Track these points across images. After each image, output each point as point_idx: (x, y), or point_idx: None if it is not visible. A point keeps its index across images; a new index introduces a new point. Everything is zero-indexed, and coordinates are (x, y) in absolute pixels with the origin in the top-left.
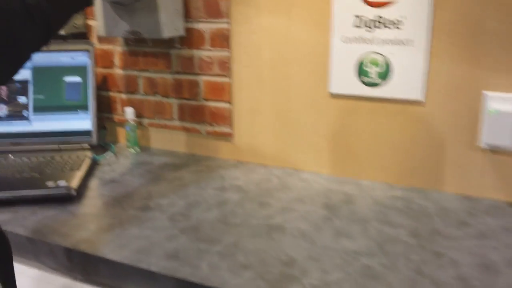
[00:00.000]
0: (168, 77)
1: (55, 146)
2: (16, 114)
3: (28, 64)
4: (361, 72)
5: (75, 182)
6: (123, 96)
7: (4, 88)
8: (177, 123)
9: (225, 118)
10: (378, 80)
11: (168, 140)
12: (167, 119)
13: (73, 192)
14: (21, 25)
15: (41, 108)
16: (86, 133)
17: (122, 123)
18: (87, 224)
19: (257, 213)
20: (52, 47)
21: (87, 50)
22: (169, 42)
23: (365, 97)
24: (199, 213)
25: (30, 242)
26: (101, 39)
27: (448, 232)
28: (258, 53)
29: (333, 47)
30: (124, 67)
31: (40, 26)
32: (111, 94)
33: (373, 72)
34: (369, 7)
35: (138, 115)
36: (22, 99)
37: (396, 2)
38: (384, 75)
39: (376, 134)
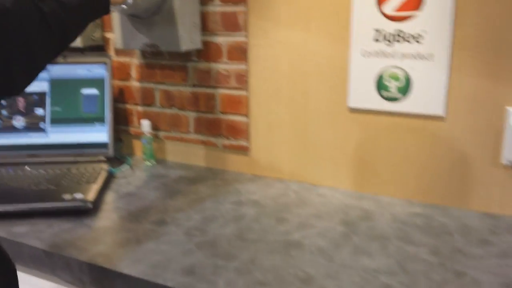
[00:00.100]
0: (185, 90)
1: (71, 158)
2: (33, 126)
3: (46, 76)
4: (381, 86)
5: (91, 195)
6: (140, 108)
7: (21, 100)
8: (193, 136)
9: (242, 131)
10: (398, 95)
11: (184, 153)
12: (184, 132)
13: (90, 205)
14: (36, 32)
15: (58, 120)
16: (103, 145)
17: (138, 135)
18: (103, 238)
19: (274, 228)
20: (70, 59)
21: (104, 63)
22: (186, 55)
23: (384, 112)
24: (216, 228)
25: (46, 256)
26: (118, 52)
27: (470, 251)
28: (276, 67)
29: (352, 61)
30: (141, 79)
31: (56, 33)
32: (128, 106)
33: (393, 87)
34: (389, 21)
35: (154, 127)
36: (39, 111)
37: (416, 16)
38: (404, 89)
39: (396, 149)
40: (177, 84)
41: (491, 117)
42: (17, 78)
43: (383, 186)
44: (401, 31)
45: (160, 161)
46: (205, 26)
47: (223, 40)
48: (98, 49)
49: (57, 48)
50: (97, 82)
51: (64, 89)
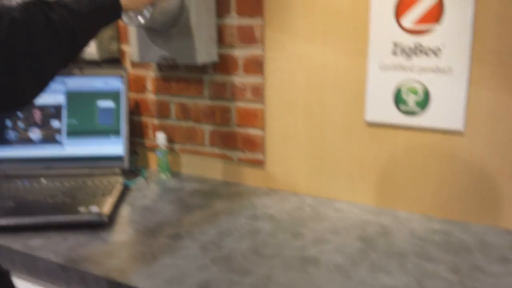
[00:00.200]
0: (201, 102)
1: (87, 171)
2: (49, 138)
3: (62, 88)
4: (399, 100)
5: (106, 208)
6: (155, 121)
7: (38, 112)
8: (208, 149)
9: (257, 144)
10: (416, 109)
11: (199, 166)
12: (199, 145)
13: (105, 219)
14: (44, 41)
15: (74, 133)
16: (118, 158)
17: (153, 148)
18: (118, 252)
19: (290, 244)
20: (86, 71)
21: (120, 75)
22: (202, 68)
23: (402, 126)
24: (231, 242)
25: (61, 270)
26: (134, 64)
27: (490, 269)
28: (292, 80)
29: (370, 74)
30: (157, 92)
31: (64, 41)
32: (143, 119)
33: (411, 101)
34: (407, 34)
35: (170, 140)
36: (55, 124)
37: (435, 30)
38: (423, 104)
39: (414, 164)
40: (193, 96)
41: (511, 131)
42: (24, 87)
43: (401, 201)
44: (420, 44)
45: (175, 174)
46: (221, 39)
47: (239, 53)
48: (115, 61)
49: (66, 55)
50: (113, 95)
51: (80, 101)
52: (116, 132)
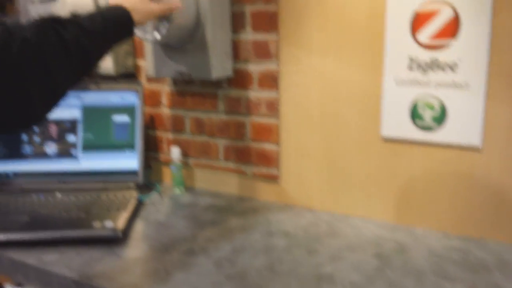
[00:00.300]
0: (215, 117)
1: (101, 185)
2: (65, 152)
3: (78, 103)
4: (415, 115)
5: (121, 223)
6: (170, 135)
7: (54, 126)
8: (223, 163)
9: (272, 159)
10: (432, 124)
11: (213, 180)
12: (213, 160)
13: (119, 234)
14: (55, 59)
15: (89, 147)
16: (133, 172)
17: (168, 162)
18: (133, 268)
19: (306, 260)
20: (102, 86)
21: (136, 90)
22: (217, 83)
23: (419, 141)
24: (246, 259)
25: (75, 285)
26: (149, 79)
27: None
28: (307, 94)
29: (386, 89)
30: (172, 106)
31: (77, 59)
32: (158, 133)
33: (427, 116)
34: (423, 50)
35: (184, 154)
36: (71, 138)
37: (451, 45)
38: (439, 119)
39: (431, 180)
40: (207, 111)
41: None
42: (35, 105)
43: (418, 217)
44: (436, 59)
45: (189, 189)
46: (236, 54)
47: (254, 67)
48: (130, 76)
49: (79, 73)
50: (128, 110)
51: (96, 116)
52: (131, 146)
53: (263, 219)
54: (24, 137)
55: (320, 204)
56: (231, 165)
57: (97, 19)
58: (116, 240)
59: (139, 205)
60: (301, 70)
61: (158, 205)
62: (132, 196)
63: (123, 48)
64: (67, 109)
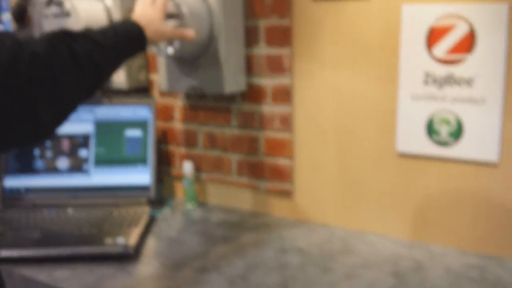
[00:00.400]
0: (228, 131)
1: (113, 201)
2: (77, 167)
3: (91, 117)
4: (431, 130)
5: (133, 239)
6: (182, 150)
7: (66, 141)
8: (235, 178)
9: (285, 174)
10: (449, 139)
11: (226, 195)
12: (226, 174)
13: (131, 251)
14: (65, 74)
15: (101, 162)
16: (145, 188)
17: (180, 177)
18: (145, 285)
19: (320, 279)
20: (114, 100)
21: (149, 104)
22: (230, 97)
23: (435, 156)
24: (259, 276)
25: None
26: (162, 93)
27: None
28: (321, 109)
29: (401, 104)
30: (184, 120)
31: (88, 73)
32: (170, 147)
33: (444, 131)
34: (439, 64)
35: (197, 169)
36: (83, 153)
37: (467, 59)
38: (456, 134)
39: (448, 196)
40: (220, 125)
41: None
42: (45, 119)
43: (435, 234)
44: (452, 74)
45: (202, 204)
46: (249, 68)
47: (267, 82)
48: (143, 90)
49: (90, 87)
50: (141, 124)
51: (108, 130)
52: (143, 161)
53: (276, 235)
54: (36, 151)
55: (334, 220)
56: (244, 180)
57: (109, 34)
58: (128, 257)
59: (151, 221)
60: (315, 84)
61: (170, 221)
62: (144, 211)
63: (136, 62)
64: (80, 124)
